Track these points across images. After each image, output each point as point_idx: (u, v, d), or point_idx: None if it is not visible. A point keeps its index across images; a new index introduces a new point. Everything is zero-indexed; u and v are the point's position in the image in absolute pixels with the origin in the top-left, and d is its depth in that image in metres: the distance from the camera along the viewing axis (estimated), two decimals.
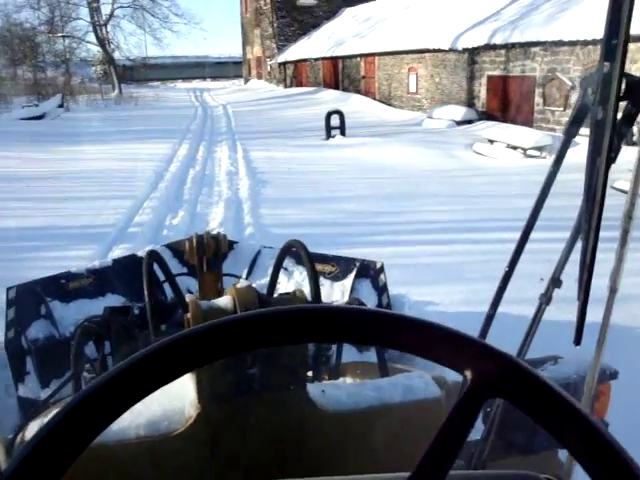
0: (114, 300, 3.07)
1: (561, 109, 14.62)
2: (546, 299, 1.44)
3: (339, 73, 27.69)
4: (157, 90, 40.80)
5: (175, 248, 3.35)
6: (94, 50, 41.71)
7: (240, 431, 1.34)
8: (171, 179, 9.98)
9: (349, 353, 2.50)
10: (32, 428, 1.41)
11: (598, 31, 12.12)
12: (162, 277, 2.62)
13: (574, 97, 14.21)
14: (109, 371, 0.51)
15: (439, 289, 4.86)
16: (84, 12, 37.71)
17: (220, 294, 2.43)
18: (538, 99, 15.34)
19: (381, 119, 19.45)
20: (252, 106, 25.98)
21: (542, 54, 14.97)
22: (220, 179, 10.06)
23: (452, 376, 1.52)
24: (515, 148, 13.04)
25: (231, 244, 3.46)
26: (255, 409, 1.37)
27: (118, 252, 5.81)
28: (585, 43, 13.51)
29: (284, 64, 35.16)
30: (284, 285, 3.23)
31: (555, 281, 1.42)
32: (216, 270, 2.85)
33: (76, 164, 11.20)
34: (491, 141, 13.73)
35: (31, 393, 2.74)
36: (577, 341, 1.12)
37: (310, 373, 2.02)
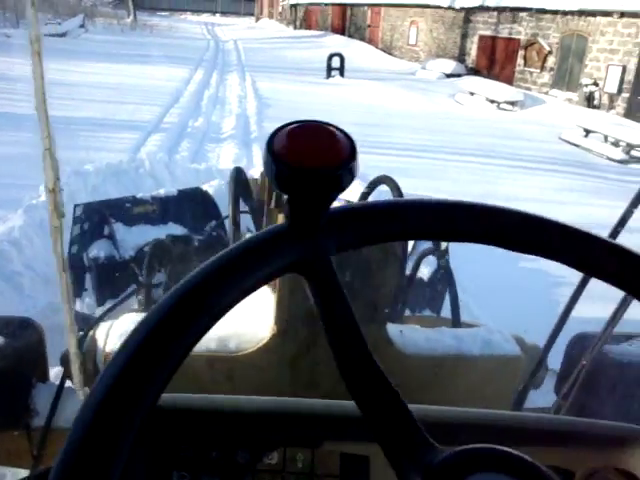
0: (175, 229, 3.09)
1: (538, 71, 16.36)
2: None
3: (347, 20, 29.04)
4: (169, 20, 41.76)
5: (239, 168, 3.35)
6: None
7: (313, 358, 1.32)
8: (189, 95, 11.77)
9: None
10: (100, 332, 1.39)
11: (578, 2, 13.89)
12: (224, 212, 2.66)
13: (550, 61, 15.97)
14: (207, 263, 0.44)
15: (401, 180, 6.77)
16: None
17: None
18: (520, 60, 17.05)
19: (380, 66, 21.05)
20: (262, 43, 27.38)
21: (527, 19, 16.61)
22: (231, 100, 11.86)
23: (530, 338, 1.51)
24: (492, 101, 14.83)
25: None
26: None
27: (156, 137, 7.68)
28: (564, 13, 15.17)
29: (295, 6, 36.25)
30: None
31: None
32: (284, 207, 3.73)
33: (108, 78, 12.92)
34: (471, 93, 15.51)
35: (87, 309, 2.82)
36: None
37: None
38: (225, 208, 2.76)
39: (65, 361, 1.38)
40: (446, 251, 2.94)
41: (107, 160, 5.33)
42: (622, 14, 13.51)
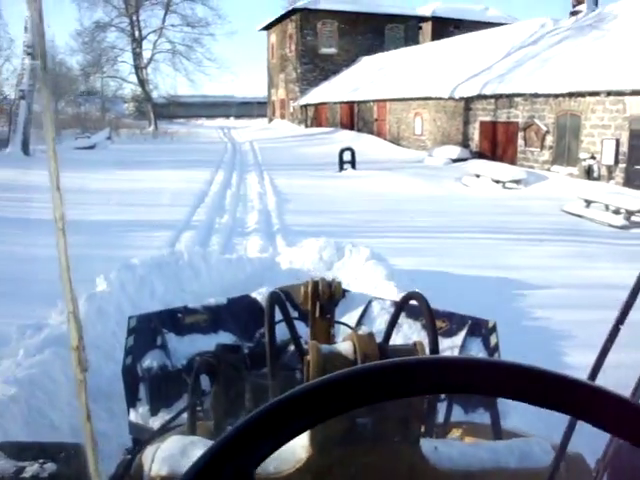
0: (226, 337, 3.15)
1: (538, 149, 17.31)
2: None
3: (355, 115, 30.71)
4: (188, 127, 44.23)
5: (285, 291, 3.37)
6: (128, 88, 45.52)
7: (349, 478, 1.32)
8: (213, 195, 12.75)
9: (455, 413, 2.52)
10: (147, 455, 1.46)
11: (567, 85, 14.94)
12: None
13: (548, 140, 16.93)
14: (261, 408, 0.51)
15: (406, 260, 7.39)
16: (127, 56, 41.46)
17: (330, 340, 2.44)
18: (520, 141, 18.05)
19: (389, 157, 22.22)
20: (276, 143, 28.97)
21: (523, 103, 17.73)
22: (252, 197, 12.81)
23: (572, 446, 1.41)
24: (497, 182, 15.69)
25: (343, 292, 3.50)
26: (366, 459, 1.34)
27: (187, 234, 8.48)
28: (556, 96, 16.25)
29: (306, 106, 38.36)
30: (392, 337, 3.16)
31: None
32: (328, 317, 2.81)
33: (137, 184, 14.02)
34: (477, 175, 16.41)
35: (141, 419, 2.84)
36: None
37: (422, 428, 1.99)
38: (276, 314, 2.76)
39: None
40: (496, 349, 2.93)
41: (148, 256, 6.09)
42: (608, 93, 14.51)
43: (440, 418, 2.32)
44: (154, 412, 2.85)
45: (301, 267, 6.24)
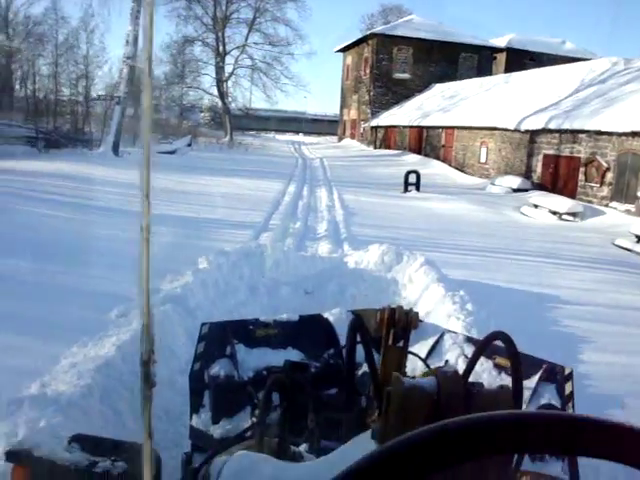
0: (294, 354, 3.13)
1: (598, 185, 17.87)
2: None
3: (423, 140, 31.69)
4: (260, 139, 46.14)
5: (357, 314, 3.33)
6: (205, 98, 47.93)
7: None
8: (286, 204, 13.99)
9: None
10: (215, 467, 1.51)
11: (631, 125, 15.56)
12: (343, 340, 2.67)
13: (609, 176, 17.49)
14: (407, 435, 0.52)
15: (456, 271, 8.31)
16: (209, 69, 43.83)
17: (402, 370, 2.38)
18: (581, 176, 18.64)
19: (453, 182, 23.09)
20: (345, 161, 30.21)
21: (586, 140, 18.35)
22: (321, 208, 13.99)
23: None
24: (554, 213, 16.37)
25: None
26: None
27: (265, 234, 9.66)
28: (619, 134, 16.84)
29: (376, 127, 39.56)
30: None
31: None
32: (401, 345, 2.76)
33: (218, 188, 15.42)
34: (535, 206, 17.11)
35: (202, 425, 2.86)
36: None
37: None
38: (343, 336, 2.78)
39: None
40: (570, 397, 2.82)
41: (237, 246, 7.28)
42: None
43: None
44: (216, 420, 2.85)
45: (365, 267, 7.30)
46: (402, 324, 2.68)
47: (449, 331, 3.65)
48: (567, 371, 2.91)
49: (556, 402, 2.84)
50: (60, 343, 4.16)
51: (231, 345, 3.09)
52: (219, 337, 3.11)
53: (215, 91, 43.80)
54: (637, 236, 12.63)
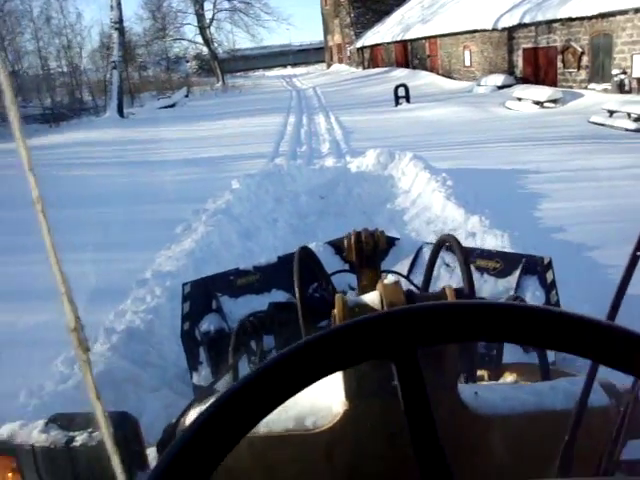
0: (279, 296, 3.15)
1: (575, 70, 18.97)
2: None
3: (409, 53, 32.48)
4: (252, 79, 46.80)
5: (336, 245, 3.40)
6: (190, 48, 48.42)
7: (388, 430, 1.31)
8: (290, 134, 15.38)
9: (516, 353, 2.53)
10: (191, 415, 1.50)
11: (599, 7, 16.54)
12: (327, 272, 2.73)
13: (584, 60, 18.57)
14: (253, 370, 0.53)
15: (443, 163, 9.69)
16: (191, 18, 44.22)
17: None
18: (560, 64, 19.70)
19: (441, 89, 24.18)
20: (336, 86, 31.18)
21: (560, 28, 19.32)
22: (322, 132, 15.38)
23: (623, 382, 1.42)
24: (537, 103, 17.58)
25: (392, 241, 3.50)
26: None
27: (278, 160, 11.12)
28: (589, 18, 17.82)
29: (362, 49, 40.14)
30: (445, 281, 3.09)
31: None
32: (374, 267, 2.82)
33: (224, 130, 16.80)
34: (519, 99, 18.29)
35: (204, 381, 2.94)
36: None
37: (463, 377, 1.96)
38: (329, 266, 2.84)
39: (160, 448, 1.50)
40: (553, 285, 2.78)
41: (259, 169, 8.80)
42: (636, 10, 16.05)
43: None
44: (215, 374, 2.85)
45: (365, 170, 8.80)
46: (370, 246, 2.80)
47: (427, 243, 3.66)
48: (546, 260, 2.97)
49: (539, 292, 2.89)
50: (154, 247, 5.80)
51: (216, 299, 3.14)
52: (202, 293, 3.13)
53: (200, 39, 44.42)
54: (609, 111, 13.91)
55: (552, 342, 0.54)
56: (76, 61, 29.23)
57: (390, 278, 1.55)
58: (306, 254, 2.49)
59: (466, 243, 5.51)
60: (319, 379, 0.53)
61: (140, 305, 4.16)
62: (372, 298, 1.44)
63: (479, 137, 12.63)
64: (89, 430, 1.39)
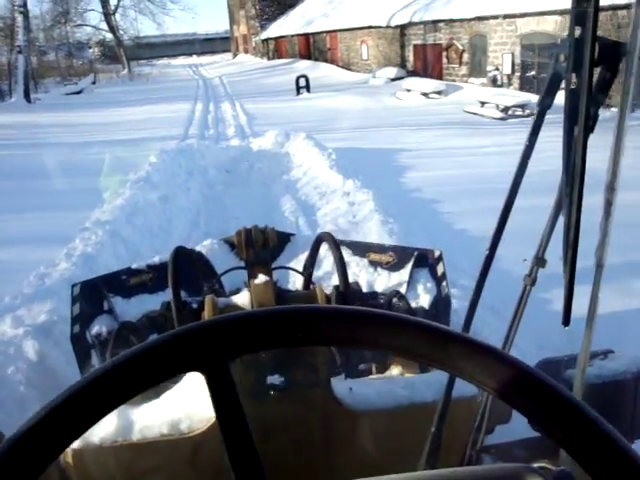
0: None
1: (458, 65, 21.15)
2: (531, 280, 1.31)
3: (311, 46, 34.08)
4: (158, 68, 47.04)
5: (230, 242, 3.39)
6: (92, 34, 47.94)
7: (263, 431, 1.31)
8: (198, 119, 16.55)
9: None
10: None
11: (476, 11, 18.60)
12: (220, 271, 2.71)
13: (465, 57, 20.74)
14: (85, 376, 0.52)
15: (333, 143, 11.21)
16: (95, 4, 43.78)
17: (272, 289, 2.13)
18: (444, 60, 21.83)
19: (340, 80, 25.89)
20: (242, 76, 32.33)
21: (445, 28, 21.42)
22: (227, 118, 16.65)
23: None
24: (423, 94, 19.55)
25: (287, 237, 3.52)
26: (278, 409, 1.35)
27: (189, 141, 12.31)
28: (468, 20, 19.97)
29: (267, 40, 41.40)
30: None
31: (539, 260, 1.30)
32: (264, 264, 2.80)
33: (135, 116, 17.70)
34: (408, 90, 20.22)
35: None
36: (566, 322, 1.05)
37: (342, 374, 1.98)
38: (219, 266, 2.86)
39: None
40: (443, 277, 2.83)
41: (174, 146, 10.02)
42: (505, 16, 18.27)
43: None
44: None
45: (265, 148, 10.21)
46: (260, 243, 2.78)
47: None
48: (437, 253, 2.98)
49: (430, 283, 2.93)
50: (88, 208, 6.98)
51: (107, 299, 3.05)
52: (92, 295, 3.02)
53: (104, 26, 44.20)
54: (480, 102, 15.99)
55: (350, 341, 0.54)
56: None
57: (261, 278, 1.59)
58: (181, 254, 2.45)
59: (342, 200, 7.10)
60: (133, 397, 0.52)
61: (87, 242, 5.40)
62: (242, 298, 1.48)
63: (368, 123, 14.30)
64: None
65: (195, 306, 2.41)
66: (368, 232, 5.67)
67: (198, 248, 3.31)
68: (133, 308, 3.00)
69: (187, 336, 0.53)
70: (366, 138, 12.13)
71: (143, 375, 0.51)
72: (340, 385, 1.49)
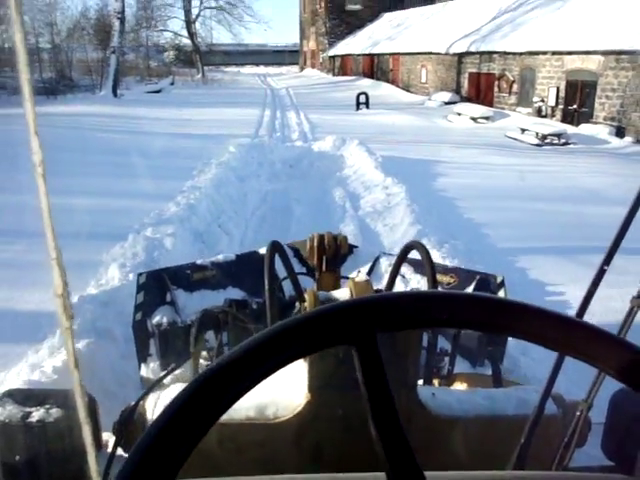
0: (234, 293, 3.20)
1: (507, 95, 22.77)
2: (638, 302, 1.25)
3: (374, 66, 36.17)
4: (228, 75, 49.88)
5: (294, 247, 3.45)
6: (168, 38, 51.27)
7: (347, 424, 1.36)
8: (266, 123, 18.67)
9: (463, 367, 2.65)
10: (150, 402, 1.54)
11: (527, 46, 20.26)
12: (282, 275, 2.66)
13: (515, 87, 22.35)
14: (226, 354, 0.54)
15: (384, 152, 13.04)
16: (179, 12, 47.07)
17: None
18: (496, 89, 23.48)
19: (398, 100, 27.77)
20: (307, 89, 34.57)
21: (498, 59, 23.10)
22: (292, 124, 18.71)
23: (570, 395, 1.55)
24: (472, 118, 21.24)
25: (351, 248, 3.59)
26: (363, 403, 1.19)
27: (256, 140, 14.37)
28: (520, 54, 21.61)
29: (333, 57, 43.69)
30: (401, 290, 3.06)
31: None
32: (334, 271, 2.83)
33: (210, 116, 19.93)
34: (459, 114, 21.94)
35: (152, 374, 2.91)
36: None
37: (421, 380, 2.01)
38: (282, 270, 2.66)
39: (117, 430, 1.50)
40: None
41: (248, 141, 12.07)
42: (553, 53, 19.86)
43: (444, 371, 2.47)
44: (164, 367, 2.82)
45: (324, 150, 12.15)
46: (332, 249, 2.89)
47: (385, 253, 3.77)
48: (499, 279, 3.00)
49: None
50: (182, 180, 9.01)
51: (170, 291, 3.14)
52: (157, 285, 3.11)
53: (184, 32, 47.41)
54: (521, 129, 17.60)
55: (510, 330, 0.57)
56: (60, 40, 31.17)
57: (362, 276, 1.66)
58: (276, 249, 2.41)
59: (381, 192, 8.94)
60: (288, 364, 0.55)
61: (188, 198, 7.41)
62: (343, 294, 1.54)
63: (416, 139, 16.10)
64: (46, 406, 1.39)
65: (255, 307, 2.55)
66: (397, 212, 7.51)
67: (262, 250, 3.33)
68: (194, 302, 3.11)
69: (342, 311, 0.56)
70: (411, 151, 13.92)
71: (299, 344, 0.55)
72: (424, 390, 1.54)
